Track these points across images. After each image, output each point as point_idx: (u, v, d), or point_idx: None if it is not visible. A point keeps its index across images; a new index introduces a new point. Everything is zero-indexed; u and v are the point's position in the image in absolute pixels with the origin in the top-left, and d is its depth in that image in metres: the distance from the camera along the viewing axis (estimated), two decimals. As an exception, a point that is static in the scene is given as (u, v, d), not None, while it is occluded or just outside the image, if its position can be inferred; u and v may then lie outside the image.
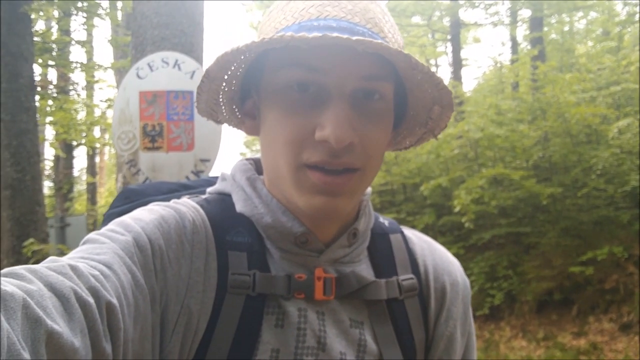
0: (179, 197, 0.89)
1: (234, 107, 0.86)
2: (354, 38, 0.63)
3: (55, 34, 10.10)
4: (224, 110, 0.86)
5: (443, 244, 8.84)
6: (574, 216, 8.13)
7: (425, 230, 9.18)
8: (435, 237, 9.21)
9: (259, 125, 0.81)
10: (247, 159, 0.90)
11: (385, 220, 0.95)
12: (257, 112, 0.82)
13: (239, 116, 0.88)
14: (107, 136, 14.85)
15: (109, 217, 0.91)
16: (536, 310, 7.68)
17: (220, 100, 0.84)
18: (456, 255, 8.50)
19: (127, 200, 0.93)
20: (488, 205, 8.24)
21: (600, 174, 7.94)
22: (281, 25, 0.76)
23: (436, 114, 0.81)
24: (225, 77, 0.79)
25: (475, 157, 9.41)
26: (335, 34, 0.63)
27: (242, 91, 0.84)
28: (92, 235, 0.70)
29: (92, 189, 16.51)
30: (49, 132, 13.26)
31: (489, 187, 8.56)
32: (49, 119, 11.00)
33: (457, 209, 8.04)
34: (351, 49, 0.66)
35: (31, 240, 5.65)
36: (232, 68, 0.78)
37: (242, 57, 0.77)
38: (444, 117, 0.80)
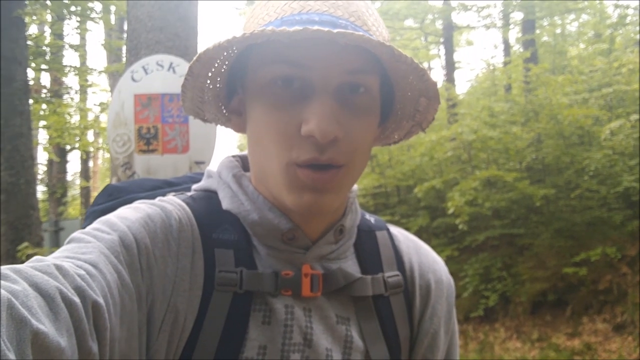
0: (162, 194, 0.88)
1: (220, 104, 0.86)
2: (336, 31, 0.63)
3: (48, 38, 10.08)
4: (210, 108, 0.86)
5: (437, 245, 8.89)
6: (567, 217, 8.15)
7: (419, 232, 9.18)
8: (429, 239, 9.21)
9: (246, 122, 0.81)
10: (233, 156, 0.90)
11: (371, 217, 0.95)
12: (243, 109, 0.82)
13: (226, 114, 0.87)
14: (100, 140, 14.81)
15: (91, 214, 0.90)
16: (530, 312, 7.69)
17: (206, 98, 0.83)
18: (450, 257, 8.54)
19: (110, 198, 0.93)
20: (482, 207, 8.25)
21: (592, 175, 7.97)
22: (264, 22, 0.76)
23: (423, 106, 0.81)
24: (209, 74, 0.79)
25: (468, 159, 9.43)
26: (316, 27, 0.63)
27: (228, 88, 0.84)
28: (77, 234, 0.70)
29: (85, 193, 16.45)
30: (43, 136, 13.22)
31: (483, 188, 8.57)
32: (42, 123, 10.96)
33: (450, 211, 8.03)
34: (334, 42, 0.66)
35: (25, 244, 5.63)
36: (216, 65, 0.78)
37: (225, 54, 0.77)
38: (430, 110, 0.80)
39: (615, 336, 6.61)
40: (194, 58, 0.72)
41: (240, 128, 0.85)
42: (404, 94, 0.81)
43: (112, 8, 9.79)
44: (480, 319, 8.00)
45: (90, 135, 14.25)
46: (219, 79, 0.81)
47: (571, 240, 7.88)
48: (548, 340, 7.01)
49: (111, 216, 0.74)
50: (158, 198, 0.83)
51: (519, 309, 7.76)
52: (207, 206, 0.83)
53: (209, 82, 0.80)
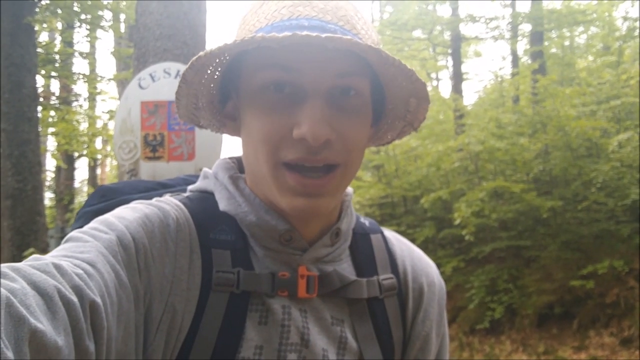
0: (156, 196, 0.88)
1: (215, 110, 0.87)
2: (324, 35, 0.64)
3: (58, 46, 10.17)
4: (204, 114, 0.87)
5: (443, 257, 8.85)
6: (575, 230, 8.10)
7: (426, 243, 9.15)
8: (435, 250, 9.17)
9: (240, 127, 0.82)
10: (229, 158, 0.91)
11: (365, 220, 0.96)
12: (237, 114, 0.83)
13: (220, 119, 0.89)
14: (108, 148, 14.90)
15: (83, 215, 0.91)
16: (537, 324, 7.62)
17: (200, 104, 0.85)
18: (456, 268, 8.50)
19: (103, 199, 0.93)
20: (488, 218, 8.22)
21: (600, 188, 7.92)
22: (255, 28, 0.77)
23: (413, 106, 0.82)
24: (203, 80, 0.80)
25: (475, 170, 9.40)
26: (305, 32, 0.65)
27: (222, 94, 0.85)
28: (75, 233, 0.70)
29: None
30: (51, 143, 13.30)
31: (490, 200, 8.54)
32: (51, 129, 11.04)
33: (457, 222, 8.00)
34: (324, 47, 0.67)
35: (31, 250, 5.66)
36: (209, 71, 0.79)
37: (218, 60, 0.78)
38: (421, 110, 0.82)
39: (622, 350, 6.54)
40: (187, 65, 0.74)
41: (234, 132, 0.86)
42: (395, 95, 0.83)
43: (122, 16, 9.87)
44: (486, 331, 7.94)
45: (98, 143, 14.32)
46: (212, 86, 0.83)
47: (578, 252, 7.82)
48: (554, 354, 6.95)
49: (109, 216, 0.75)
50: (155, 198, 0.84)
51: (525, 322, 7.70)
52: (204, 207, 0.83)
53: (202, 88, 0.82)
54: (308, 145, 0.72)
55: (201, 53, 0.71)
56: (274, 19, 0.75)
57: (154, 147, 3.40)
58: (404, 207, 10.90)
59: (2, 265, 0.54)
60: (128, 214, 0.75)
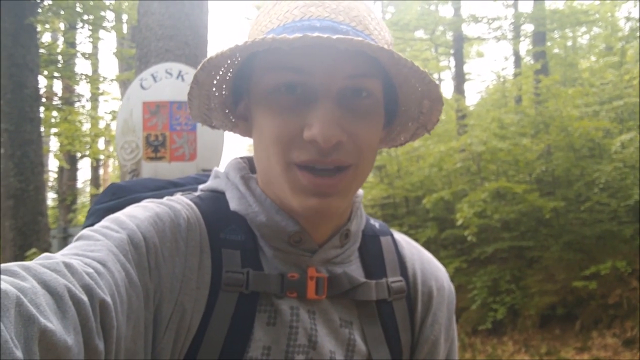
0: (167, 194, 0.88)
1: (227, 111, 0.87)
2: (335, 37, 0.64)
3: (60, 46, 10.19)
4: (217, 115, 0.87)
5: (445, 257, 8.84)
6: (577, 230, 8.10)
7: (428, 243, 9.13)
8: (437, 251, 9.16)
9: (252, 127, 0.82)
10: (241, 158, 0.91)
11: (375, 222, 0.96)
12: (249, 114, 0.83)
13: (232, 120, 0.88)
14: (111, 148, 14.92)
15: (94, 213, 0.91)
16: (539, 325, 7.62)
17: (212, 105, 0.84)
18: (459, 268, 8.48)
19: (114, 196, 0.93)
20: (491, 219, 8.21)
21: (603, 188, 7.91)
22: (267, 29, 0.77)
23: (426, 108, 0.81)
24: (215, 82, 0.80)
25: (477, 171, 9.40)
26: (316, 34, 0.64)
27: (234, 94, 0.85)
28: (86, 231, 0.70)
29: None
30: (54, 144, 13.33)
31: (492, 200, 8.53)
32: (53, 130, 11.05)
33: (459, 223, 8.00)
34: (335, 48, 0.67)
35: (33, 250, 5.66)
36: (221, 72, 0.79)
37: (229, 61, 0.78)
38: (434, 111, 0.81)
39: (625, 351, 6.53)
40: (199, 66, 0.74)
41: (246, 133, 0.86)
42: (408, 96, 0.82)
43: (124, 17, 9.88)
44: (488, 332, 7.93)
45: (101, 143, 14.34)
46: (224, 86, 0.82)
47: (581, 253, 7.81)
48: (557, 355, 6.94)
49: (120, 214, 0.75)
50: (166, 197, 0.84)
51: (528, 323, 7.69)
52: (214, 206, 0.83)
53: (214, 89, 0.81)
54: (319, 147, 0.71)
55: (212, 54, 0.71)
56: (285, 19, 0.75)
57: (155, 148, 3.39)
58: (406, 208, 10.90)
59: (13, 264, 0.54)
60: (139, 213, 0.75)
